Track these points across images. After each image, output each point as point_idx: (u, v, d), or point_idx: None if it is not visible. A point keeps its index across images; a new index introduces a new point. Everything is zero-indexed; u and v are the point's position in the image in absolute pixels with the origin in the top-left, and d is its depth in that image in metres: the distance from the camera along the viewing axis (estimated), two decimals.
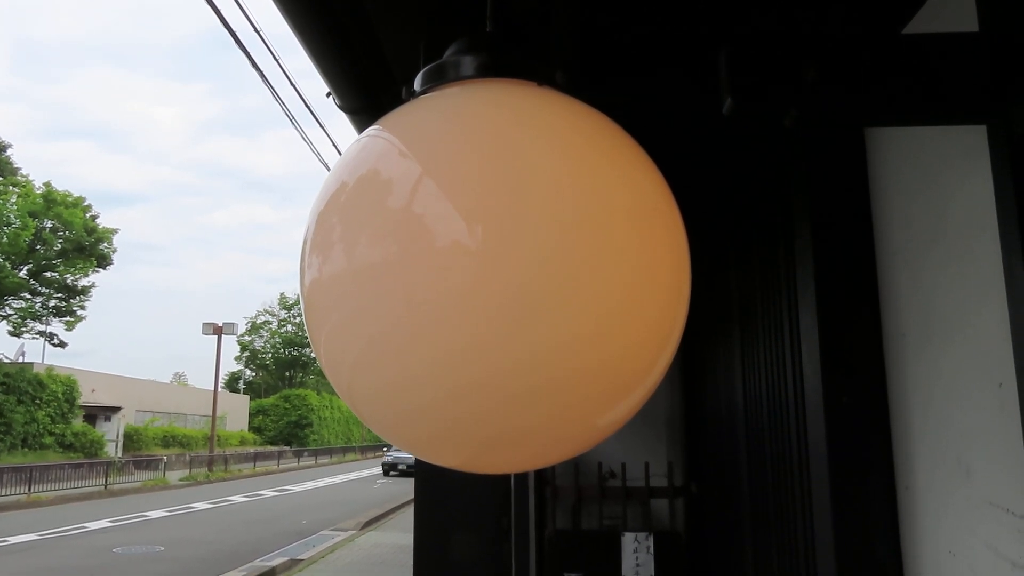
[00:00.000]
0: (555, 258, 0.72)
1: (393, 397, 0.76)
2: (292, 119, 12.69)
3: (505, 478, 2.65)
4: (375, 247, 0.76)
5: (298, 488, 30.00)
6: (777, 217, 2.87)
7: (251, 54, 9.75)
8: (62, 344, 41.80)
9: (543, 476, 4.57)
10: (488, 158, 0.75)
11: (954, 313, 1.78)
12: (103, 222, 44.88)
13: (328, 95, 2.77)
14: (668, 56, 2.28)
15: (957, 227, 1.75)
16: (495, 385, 0.72)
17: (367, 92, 2.58)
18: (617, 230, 0.75)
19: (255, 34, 10.94)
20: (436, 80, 0.85)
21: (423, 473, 2.66)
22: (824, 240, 2.24)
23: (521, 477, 3.88)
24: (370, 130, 0.86)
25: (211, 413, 38.71)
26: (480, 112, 0.79)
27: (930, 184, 1.86)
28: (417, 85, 0.87)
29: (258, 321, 70.61)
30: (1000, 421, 1.59)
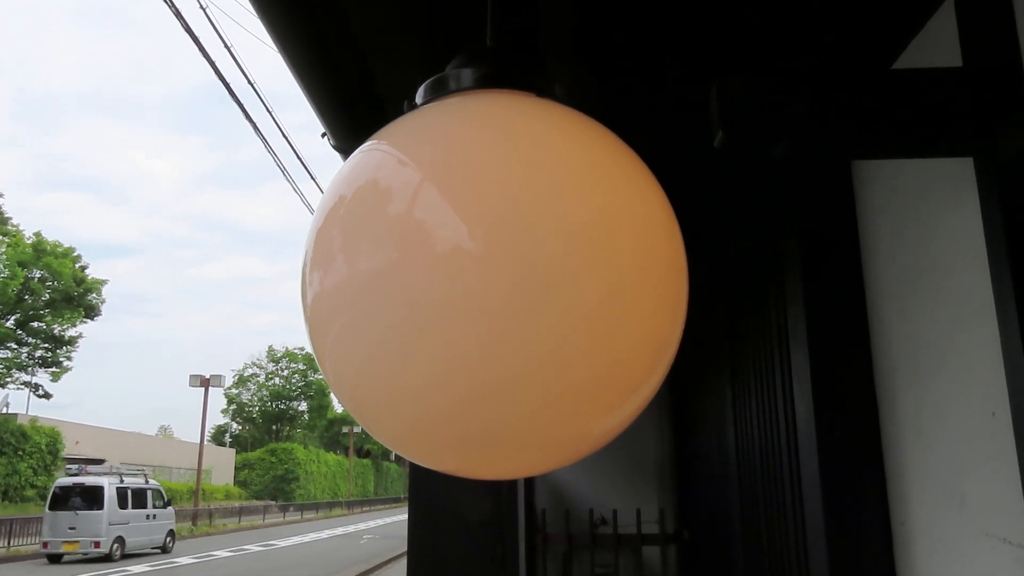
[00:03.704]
0: (554, 262, 0.73)
1: (386, 382, 0.76)
2: (283, 170, 12.84)
3: (500, 511, 2.61)
4: (376, 254, 0.77)
5: (283, 543, 29.38)
6: (767, 257, 2.90)
7: (246, 108, 9.89)
8: (47, 395, 41.27)
9: (533, 523, 4.50)
10: (485, 163, 0.76)
11: (944, 344, 1.79)
12: (94, 273, 44.83)
13: (323, 135, 2.81)
14: (656, 93, 2.33)
15: (944, 258, 1.77)
16: (494, 383, 0.72)
17: (361, 132, 2.61)
18: (615, 233, 0.76)
19: (250, 88, 11.08)
20: (435, 92, 0.87)
21: (417, 503, 2.63)
22: (814, 277, 2.26)
23: (512, 523, 3.83)
24: (366, 143, 0.87)
25: (196, 466, 38.12)
26: (477, 119, 0.80)
27: (917, 216, 1.89)
28: (418, 99, 0.89)
29: (246, 374, 70.00)
30: (994, 449, 1.59)
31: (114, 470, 24.00)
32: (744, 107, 1.59)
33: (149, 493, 24.47)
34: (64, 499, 21.94)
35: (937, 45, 1.79)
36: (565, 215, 0.74)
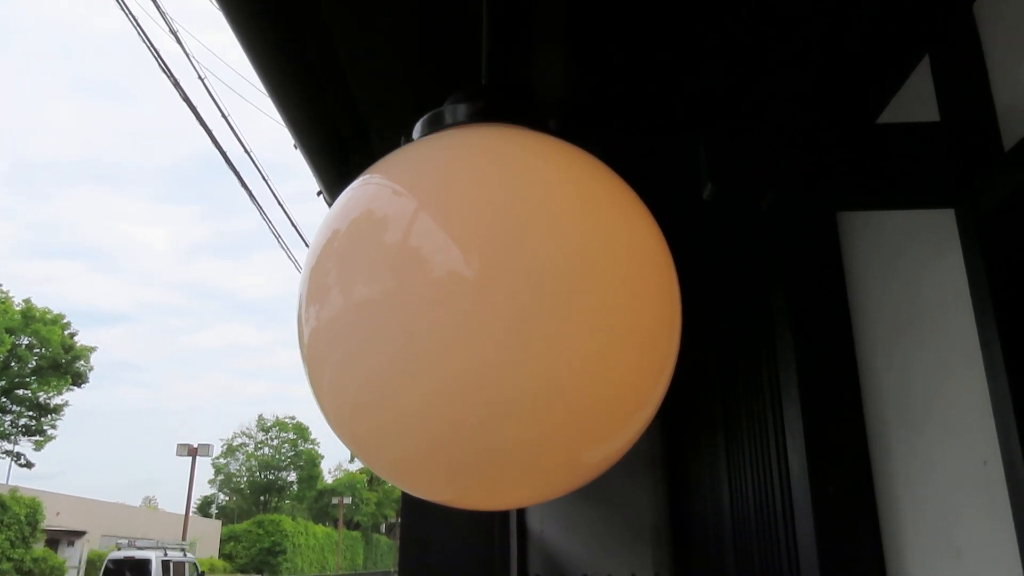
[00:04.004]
0: (547, 286, 0.74)
1: (382, 409, 0.76)
2: (277, 236, 12.91)
3: (492, 557, 2.56)
4: (372, 283, 0.78)
5: None
6: (757, 315, 2.92)
7: (242, 176, 10.02)
8: (29, 464, 40.47)
9: None
10: (478, 189, 0.78)
11: (933, 393, 1.80)
12: (85, 341, 44.53)
13: (319, 194, 2.85)
14: (649, 141, 2.38)
15: (931, 307, 1.79)
16: (489, 408, 0.73)
17: None
18: (607, 258, 0.78)
19: (246, 156, 11.27)
20: (431, 127, 0.89)
21: (406, 565, 2.58)
22: (804, 330, 2.28)
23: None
24: (359, 178, 0.89)
25: (181, 539, 37.22)
26: (471, 148, 0.83)
27: (903, 267, 1.92)
28: (415, 135, 0.92)
29: (234, 443, 68.92)
30: (987, 498, 1.58)
31: (159, 544, 26.12)
32: (731, 160, 1.64)
33: (187, 566, 26.47)
34: (117, 572, 24.00)
35: (919, 101, 1.85)
36: (557, 241, 0.76)
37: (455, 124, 0.87)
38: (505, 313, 0.73)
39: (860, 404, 2.14)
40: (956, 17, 1.70)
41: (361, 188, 0.87)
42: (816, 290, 2.28)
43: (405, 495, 2.61)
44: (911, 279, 1.88)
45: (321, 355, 0.83)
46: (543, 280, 0.74)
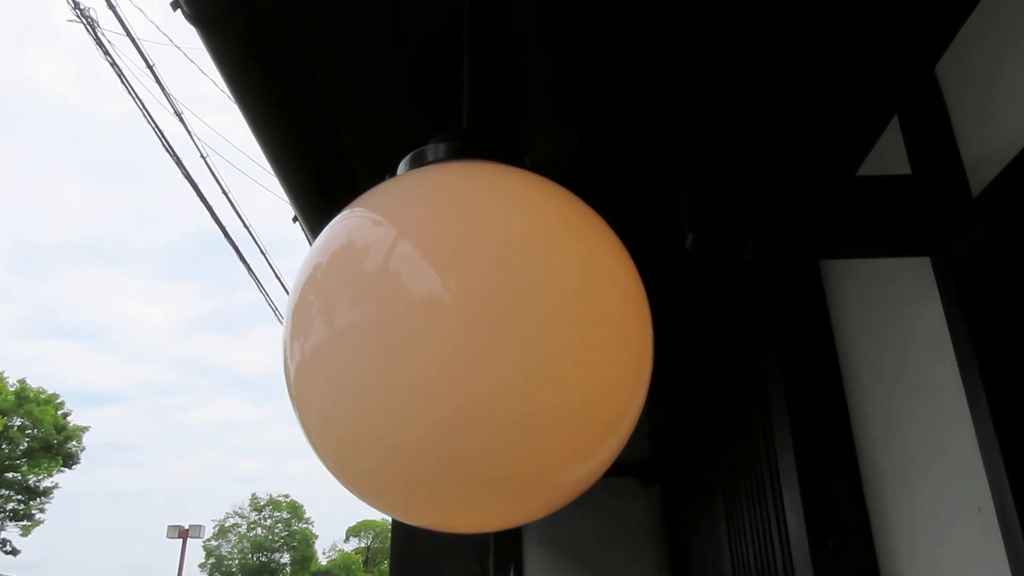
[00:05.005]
0: (505, 305, 0.77)
1: (370, 443, 0.78)
2: (275, 310, 12.90)
3: None
4: (353, 306, 0.81)
5: None
6: (751, 375, 2.93)
7: (242, 252, 10.11)
8: (14, 552, 39.46)
9: None
10: (455, 214, 0.82)
11: (926, 444, 1.80)
12: (78, 421, 44.04)
13: None
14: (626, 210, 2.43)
15: (918, 358, 1.81)
16: (459, 415, 0.75)
17: None
18: (572, 279, 0.81)
19: (246, 231, 11.41)
20: (413, 164, 0.93)
21: None
22: (796, 389, 2.28)
23: None
24: (341, 212, 0.92)
25: None
26: (446, 182, 0.87)
27: (889, 320, 1.94)
28: (399, 171, 0.95)
29: (227, 524, 67.38)
30: (984, 546, 1.57)
31: None
32: (712, 210, 1.68)
33: None
34: None
35: (892, 157, 1.91)
36: (521, 263, 0.79)
37: (435, 161, 0.91)
38: (464, 330, 0.76)
39: (855, 456, 2.13)
40: (920, 78, 1.77)
41: (341, 221, 0.91)
42: (806, 344, 2.30)
43: (393, 562, 2.57)
44: (898, 328, 1.90)
45: (307, 387, 0.85)
46: (501, 298, 0.77)
